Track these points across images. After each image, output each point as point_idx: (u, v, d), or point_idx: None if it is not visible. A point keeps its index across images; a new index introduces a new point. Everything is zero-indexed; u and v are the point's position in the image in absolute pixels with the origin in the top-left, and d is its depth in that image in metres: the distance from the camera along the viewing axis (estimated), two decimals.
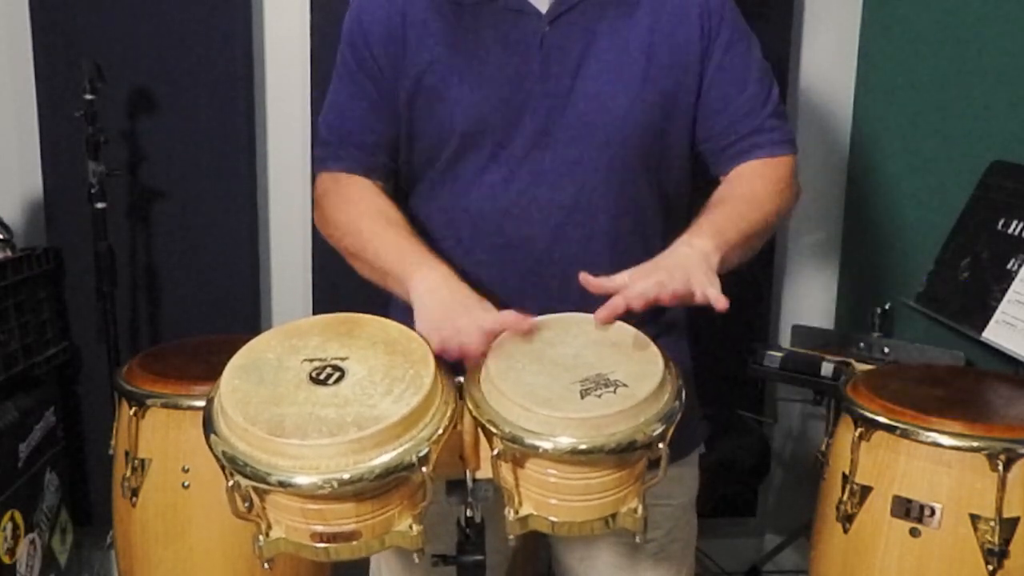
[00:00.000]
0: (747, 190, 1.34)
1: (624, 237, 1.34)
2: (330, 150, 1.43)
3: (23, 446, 2.18)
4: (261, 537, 1.01)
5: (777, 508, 2.70)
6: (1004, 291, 1.83)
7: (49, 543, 2.29)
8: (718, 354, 1.53)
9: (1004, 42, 1.97)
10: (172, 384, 1.82)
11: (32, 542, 2.20)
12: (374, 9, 1.38)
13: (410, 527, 1.01)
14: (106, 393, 2.10)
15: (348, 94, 1.41)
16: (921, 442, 1.55)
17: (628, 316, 1.15)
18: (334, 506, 0.97)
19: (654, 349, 1.10)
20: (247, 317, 2.43)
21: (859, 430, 1.62)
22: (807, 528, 1.93)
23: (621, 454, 1.00)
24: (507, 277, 1.32)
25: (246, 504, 1.00)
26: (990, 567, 1.50)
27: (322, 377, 1.02)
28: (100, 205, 2.17)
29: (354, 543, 1.00)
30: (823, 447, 1.80)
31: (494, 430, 1.01)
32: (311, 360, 1.05)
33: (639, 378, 1.04)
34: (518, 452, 1.01)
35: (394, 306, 1.44)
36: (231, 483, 0.97)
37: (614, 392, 1.02)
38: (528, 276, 1.32)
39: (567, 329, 1.14)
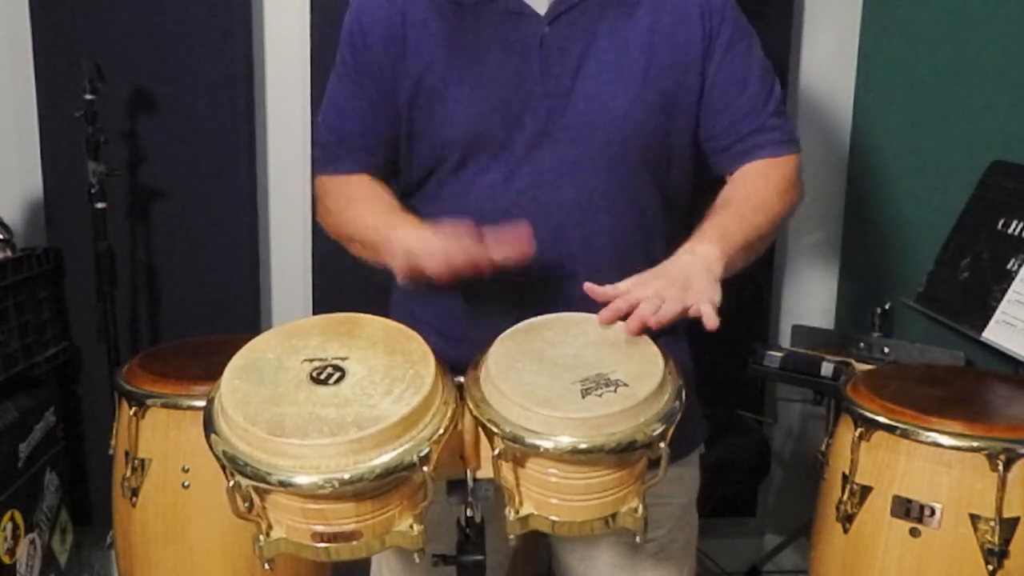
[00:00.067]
0: (751, 193, 1.34)
1: (625, 236, 1.34)
2: (330, 150, 1.43)
3: (23, 446, 2.18)
4: (261, 537, 1.01)
5: (777, 508, 2.70)
6: (1004, 291, 1.83)
7: (49, 543, 2.29)
8: (718, 354, 1.52)
9: (1004, 42, 1.97)
10: (172, 384, 1.82)
11: (32, 542, 2.20)
12: (374, 10, 1.38)
13: (411, 527, 1.01)
14: (106, 393, 2.10)
15: (347, 94, 1.41)
16: (921, 442, 1.55)
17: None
18: (334, 506, 0.97)
19: (654, 349, 1.10)
20: (247, 317, 2.44)
21: (859, 430, 1.62)
22: (807, 528, 1.93)
23: (621, 454, 1.00)
24: (511, 278, 1.32)
25: (246, 504, 1.00)
26: (990, 567, 1.50)
27: (322, 377, 1.02)
28: (100, 205, 2.18)
29: (355, 543, 1.00)
30: (823, 447, 1.80)
31: (495, 430, 1.01)
32: (311, 360, 1.05)
33: (639, 378, 1.04)
34: (519, 452, 1.01)
35: (394, 306, 1.44)
36: (232, 483, 0.97)
37: (614, 392, 1.02)
38: (532, 277, 1.32)
39: (567, 329, 1.14)
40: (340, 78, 1.42)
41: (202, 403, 1.05)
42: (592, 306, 1.16)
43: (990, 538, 1.50)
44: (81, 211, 2.21)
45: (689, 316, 1.13)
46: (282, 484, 0.94)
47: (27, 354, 2.25)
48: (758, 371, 2.20)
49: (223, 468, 0.98)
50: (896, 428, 1.58)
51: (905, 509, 1.56)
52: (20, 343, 2.23)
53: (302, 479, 0.93)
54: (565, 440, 0.98)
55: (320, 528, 0.99)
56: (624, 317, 1.14)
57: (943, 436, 1.53)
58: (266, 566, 1.03)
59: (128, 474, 1.81)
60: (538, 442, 0.99)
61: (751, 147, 1.37)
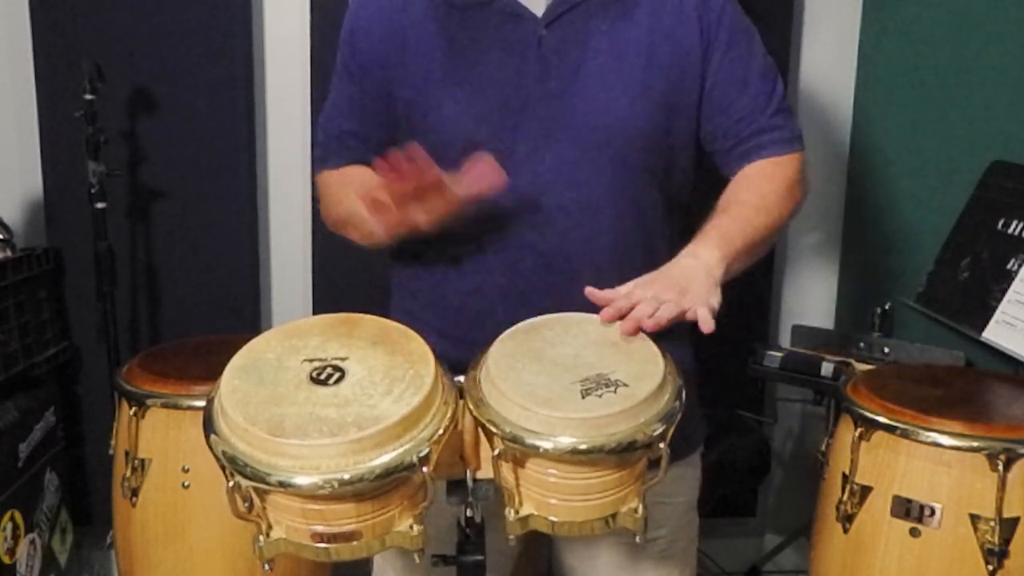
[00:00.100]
0: (753, 194, 1.34)
1: (626, 237, 1.34)
2: (327, 148, 1.45)
3: (23, 446, 2.18)
4: (261, 537, 1.01)
5: (777, 508, 2.71)
6: (1004, 291, 1.83)
7: (49, 543, 2.29)
8: (718, 354, 1.52)
9: (1004, 42, 1.97)
10: (172, 384, 1.82)
11: (32, 542, 2.20)
12: (371, 11, 1.38)
13: (410, 527, 1.01)
14: (106, 393, 2.10)
15: (344, 95, 1.42)
16: (921, 442, 1.55)
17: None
18: (334, 506, 0.97)
19: (655, 349, 1.10)
20: (247, 317, 2.44)
21: (859, 430, 1.62)
22: (807, 528, 1.93)
23: (621, 454, 1.00)
24: (512, 279, 1.33)
25: (246, 504, 1.00)
26: (990, 567, 1.50)
27: (322, 377, 1.02)
28: (100, 205, 2.18)
29: (354, 543, 1.00)
30: (823, 447, 1.80)
31: (494, 430, 1.01)
32: (311, 360, 1.05)
33: (639, 378, 1.04)
34: (519, 452, 1.01)
35: (394, 306, 1.44)
36: (231, 483, 0.97)
37: (614, 392, 1.02)
38: (532, 277, 1.32)
39: (568, 329, 1.14)
40: (339, 78, 1.43)
41: (202, 403, 1.05)
42: (593, 306, 1.16)
43: (990, 538, 1.50)
44: (81, 211, 2.21)
45: (686, 319, 1.13)
46: (282, 484, 0.94)
47: (27, 354, 2.25)
48: (758, 371, 2.20)
49: (223, 468, 0.98)
50: (896, 428, 1.58)
51: (905, 509, 1.56)
52: (20, 343, 2.23)
53: (302, 479, 0.93)
54: (565, 440, 0.98)
55: (320, 528, 0.99)
56: (624, 317, 1.14)
57: (943, 436, 1.53)
58: (266, 566, 1.03)
59: (128, 474, 1.81)
60: (538, 442, 0.99)
61: (753, 147, 1.36)
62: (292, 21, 2.36)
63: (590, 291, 1.18)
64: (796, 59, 2.46)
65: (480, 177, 1.18)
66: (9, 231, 2.26)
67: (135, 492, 1.82)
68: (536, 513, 1.05)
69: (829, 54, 2.47)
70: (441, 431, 0.99)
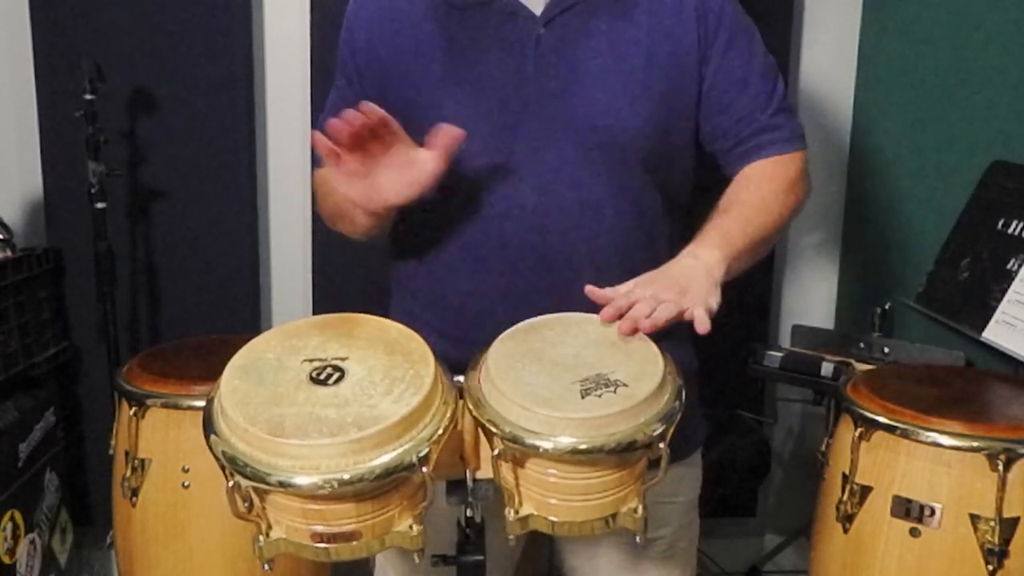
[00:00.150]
0: (755, 193, 1.33)
1: (627, 237, 1.34)
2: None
3: (23, 446, 2.18)
4: (261, 537, 1.01)
5: (777, 508, 2.71)
6: (1004, 291, 1.83)
7: (49, 543, 2.29)
8: (718, 354, 1.52)
9: (1004, 42, 1.97)
10: (172, 384, 1.82)
11: (32, 542, 2.20)
12: (371, 11, 1.38)
13: (410, 527, 1.01)
14: (106, 393, 2.10)
15: (341, 94, 1.42)
16: (921, 442, 1.55)
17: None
18: (334, 506, 0.97)
19: (654, 349, 1.10)
20: (247, 317, 2.44)
21: (859, 430, 1.62)
22: (807, 528, 1.93)
23: (621, 454, 1.00)
24: (514, 279, 1.33)
25: (246, 504, 1.00)
26: (990, 567, 1.50)
27: (322, 377, 1.02)
28: (100, 205, 2.18)
29: (354, 543, 1.00)
30: (823, 447, 1.80)
31: (494, 430, 1.01)
32: (311, 360, 1.05)
33: (639, 378, 1.04)
34: (518, 452, 1.01)
35: (394, 306, 1.44)
36: (231, 483, 0.97)
37: (614, 392, 1.02)
38: (532, 277, 1.32)
39: (568, 329, 1.14)
40: (338, 76, 1.43)
41: (202, 403, 1.05)
42: (594, 306, 1.16)
43: (990, 538, 1.50)
44: (81, 211, 2.21)
45: (684, 319, 1.13)
46: (282, 484, 0.94)
47: (27, 354, 2.25)
48: (758, 371, 2.20)
49: (223, 469, 0.98)
50: (896, 428, 1.58)
51: (905, 509, 1.56)
52: (20, 343, 2.23)
53: (302, 479, 0.93)
54: (565, 440, 0.98)
55: (320, 528, 0.99)
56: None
57: (943, 436, 1.53)
58: (266, 566, 1.03)
59: (128, 474, 1.81)
60: (538, 442, 0.99)
61: (754, 147, 1.36)
62: (292, 21, 2.36)
63: (590, 289, 1.18)
64: (796, 59, 2.46)
65: (439, 136, 1.20)
66: (9, 231, 2.26)
67: (135, 492, 1.82)
68: (536, 513, 1.05)
69: (829, 54, 2.47)
70: (441, 431, 0.99)
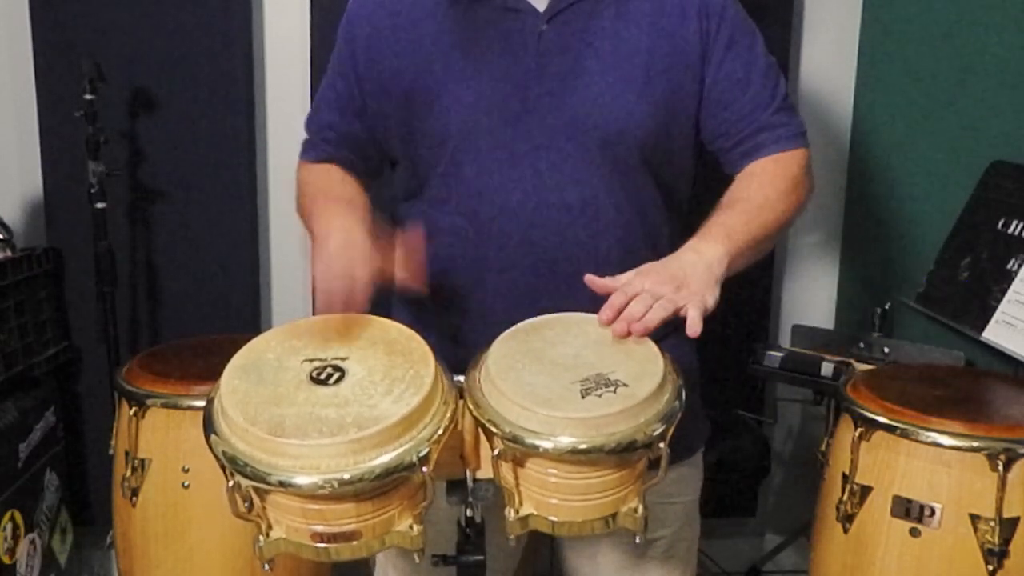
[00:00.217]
0: (757, 191, 1.33)
1: (628, 235, 1.34)
2: (308, 142, 1.47)
3: (23, 446, 2.18)
4: (261, 537, 1.01)
5: (777, 508, 2.71)
6: (1004, 291, 1.83)
7: (49, 543, 2.29)
8: (718, 354, 1.53)
9: (1004, 42, 1.97)
10: (172, 384, 1.82)
11: (32, 542, 2.20)
12: (372, 5, 1.38)
13: (410, 527, 1.01)
14: (106, 393, 2.10)
15: (333, 88, 1.44)
16: (921, 442, 1.55)
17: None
18: (334, 506, 0.97)
19: (654, 349, 1.10)
20: (247, 317, 2.44)
21: (859, 430, 1.62)
22: (807, 528, 1.93)
23: (621, 454, 1.00)
24: (516, 278, 1.32)
25: (246, 504, 1.00)
26: (990, 567, 1.50)
27: (322, 377, 1.02)
28: (100, 205, 2.18)
29: (354, 543, 1.00)
30: (823, 447, 1.80)
31: (494, 430, 1.01)
32: (311, 360, 1.05)
33: (639, 378, 1.04)
34: (518, 452, 1.01)
35: (395, 307, 1.44)
36: (231, 483, 0.97)
37: (614, 392, 1.02)
38: (536, 277, 1.32)
39: (568, 329, 1.14)
40: (331, 71, 1.44)
41: (202, 403, 1.05)
42: (594, 306, 1.16)
43: (990, 538, 1.50)
44: (81, 211, 2.21)
45: (680, 316, 1.13)
46: (282, 484, 0.94)
47: (27, 354, 2.25)
48: (758, 371, 2.20)
49: (223, 468, 0.98)
50: (896, 428, 1.58)
51: (905, 509, 1.56)
52: (20, 343, 2.23)
53: (302, 479, 0.93)
54: (565, 440, 0.98)
55: (320, 528, 0.99)
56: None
57: (943, 436, 1.53)
58: (266, 566, 1.03)
59: (128, 474, 1.81)
60: (538, 442, 0.99)
61: (756, 145, 1.36)
62: (292, 21, 2.36)
63: (590, 279, 1.18)
64: (796, 59, 2.46)
65: (411, 274, 1.21)
66: (9, 231, 2.26)
67: (135, 492, 1.82)
68: (536, 513, 1.05)
69: (829, 54, 2.47)
70: (441, 431, 0.99)
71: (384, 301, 1.43)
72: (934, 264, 2.05)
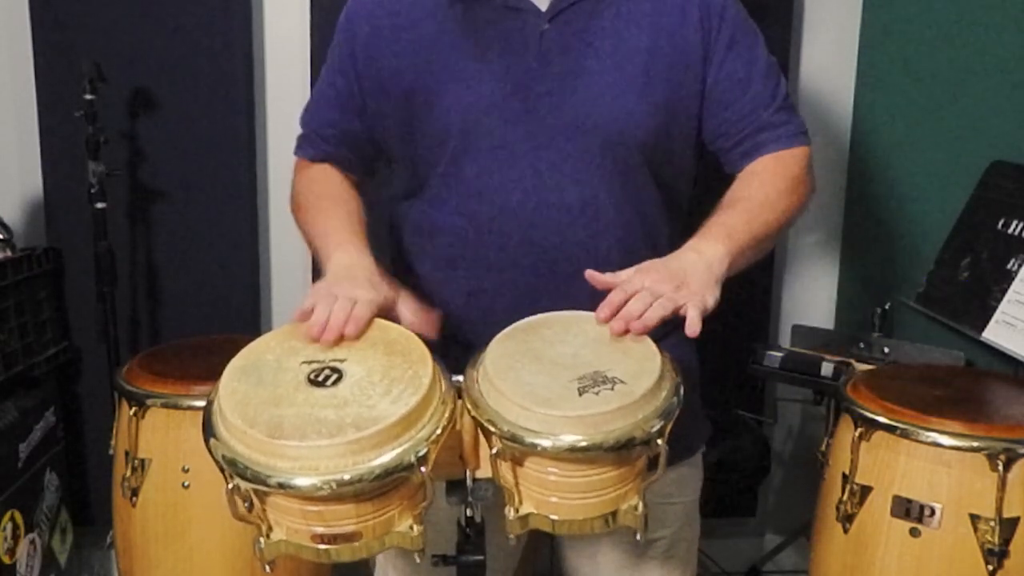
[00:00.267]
0: (758, 190, 1.33)
1: (629, 235, 1.34)
2: (304, 138, 1.47)
3: (23, 446, 2.18)
4: (262, 539, 1.01)
5: (777, 508, 2.71)
6: (1004, 291, 1.83)
7: (49, 543, 2.29)
8: (718, 354, 1.53)
9: (1004, 42, 1.97)
10: (172, 384, 1.82)
11: (32, 542, 2.20)
12: (368, 6, 1.38)
13: (410, 527, 1.01)
14: (106, 393, 2.10)
15: (332, 85, 1.44)
16: (921, 442, 1.55)
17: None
18: (334, 507, 0.97)
19: (652, 346, 1.10)
20: (247, 317, 2.44)
21: (859, 430, 1.62)
22: (807, 528, 1.93)
23: (620, 451, 1.00)
24: (516, 278, 1.32)
25: (246, 506, 1.00)
26: (990, 567, 1.50)
27: (321, 379, 1.02)
28: (100, 205, 2.18)
29: (354, 544, 1.00)
30: (823, 447, 1.80)
31: (493, 429, 1.01)
32: (310, 362, 1.05)
33: (637, 375, 1.04)
34: (517, 451, 1.01)
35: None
36: (231, 485, 0.97)
37: (612, 389, 1.02)
38: (536, 276, 1.32)
39: (566, 328, 1.14)
40: (326, 69, 1.45)
41: (202, 403, 1.05)
42: (594, 304, 1.16)
43: (990, 538, 1.50)
44: (81, 211, 2.21)
45: (680, 315, 1.13)
46: (281, 486, 0.94)
47: (27, 354, 2.25)
48: (758, 371, 2.20)
49: (222, 471, 0.98)
50: (896, 428, 1.58)
51: (905, 509, 1.56)
52: (20, 343, 2.23)
53: (301, 481, 0.93)
54: (564, 439, 0.98)
55: (320, 529, 0.99)
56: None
57: (943, 436, 1.53)
58: (267, 568, 1.03)
59: (128, 474, 1.81)
60: (537, 441, 0.99)
61: (757, 144, 1.36)
62: (292, 21, 2.36)
63: (590, 274, 1.18)
64: (796, 59, 2.46)
65: (424, 324, 1.20)
66: (9, 231, 2.26)
67: (135, 492, 1.82)
68: (536, 512, 1.05)
69: (829, 54, 2.47)
70: (439, 431, 0.99)
71: None
72: (934, 264, 2.05)
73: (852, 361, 2.11)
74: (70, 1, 2.28)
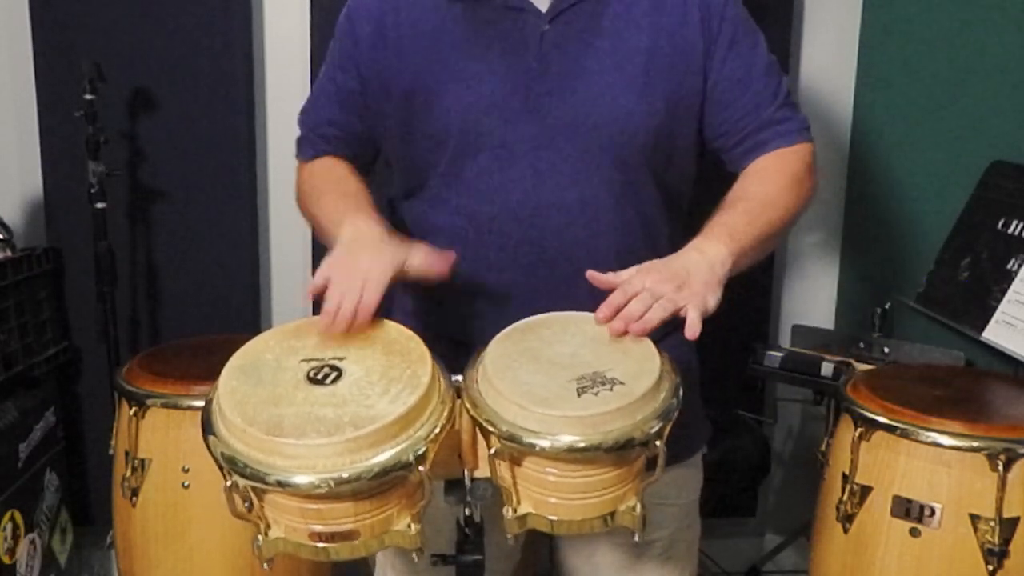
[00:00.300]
0: (761, 188, 1.32)
1: (628, 236, 1.34)
2: (304, 140, 1.47)
3: (23, 446, 2.18)
4: (260, 537, 1.01)
5: (777, 508, 2.70)
6: (1004, 291, 1.83)
7: (49, 543, 2.29)
8: (718, 354, 1.52)
9: (1004, 42, 1.97)
10: (172, 384, 1.82)
11: (32, 542, 2.20)
12: (369, 5, 1.38)
13: (409, 526, 1.01)
14: (106, 393, 2.10)
15: (332, 84, 1.44)
16: (921, 442, 1.55)
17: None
18: (332, 505, 0.97)
19: (651, 347, 1.10)
20: (247, 317, 2.44)
21: (859, 430, 1.62)
22: (807, 528, 1.93)
23: (619, 452, 1.00)
24: (515, 277, 1.32)
25: (245, 504, 1.00)
26: (990, 567, 1.50)
27: (320, 377, 1.02)
28: (100, 205, 2.18)
29: (353, 542, 1.00)
30: (823, 447, 1.80)
31: (492, 429, 1.01)
32: (309, 360, 1.05)
33: (636, 376, 1.04)
34: (516, 451, 1.01)
35: (396, 306, 1.44)
36: (229, 483, 0.97)
37: (611, 390, 1.02)
38: (536, 276, 1.32)
39: (565, 328, 1.14)
40: (326, 68, 1.45)
41: (202, 403, 1.05)
42: (594, 304, 1.16)
43: (990, 538, 1.50)
44: (81, 211, 2.21)
45: (680, 316, 1.13)
46: (280, 484, 0.94)
47: (27, 354, 2.25)
48: (758, 371, 2.20)
49: (221, 469, 0.98)
50: (896, 428, 1.58)
51: (905, 509, 1.56)
52: (20, 343, 2.23)
53: (299, 479, 0.93)
54: (562, 439, 0.98)
55: (318, 528, 0.99)
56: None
57: (943, 436, 1.53)
58: (265, 566, 1.03)
59: (128, 474, 1.81)
60: (535, 441, 0.99)
61: (759, 142, 1.35)
62: (292, 21, 2.36)
63: (591, 274, 1.18)
64: (796, 58, 2.46)
65: (437, 263, 1.21)
66: (9, 231, 2.26)
67: (135, 492, 1.82)
68: (534, 512, 1.05)
69: (829, 54, 2.47)
70: (438, 430, 0.99)
71: (384, 301, 1.43)
72: (934, 264, 2.05)
73: (852, 361, 2.11)
74: (70, 1, 2.28)
